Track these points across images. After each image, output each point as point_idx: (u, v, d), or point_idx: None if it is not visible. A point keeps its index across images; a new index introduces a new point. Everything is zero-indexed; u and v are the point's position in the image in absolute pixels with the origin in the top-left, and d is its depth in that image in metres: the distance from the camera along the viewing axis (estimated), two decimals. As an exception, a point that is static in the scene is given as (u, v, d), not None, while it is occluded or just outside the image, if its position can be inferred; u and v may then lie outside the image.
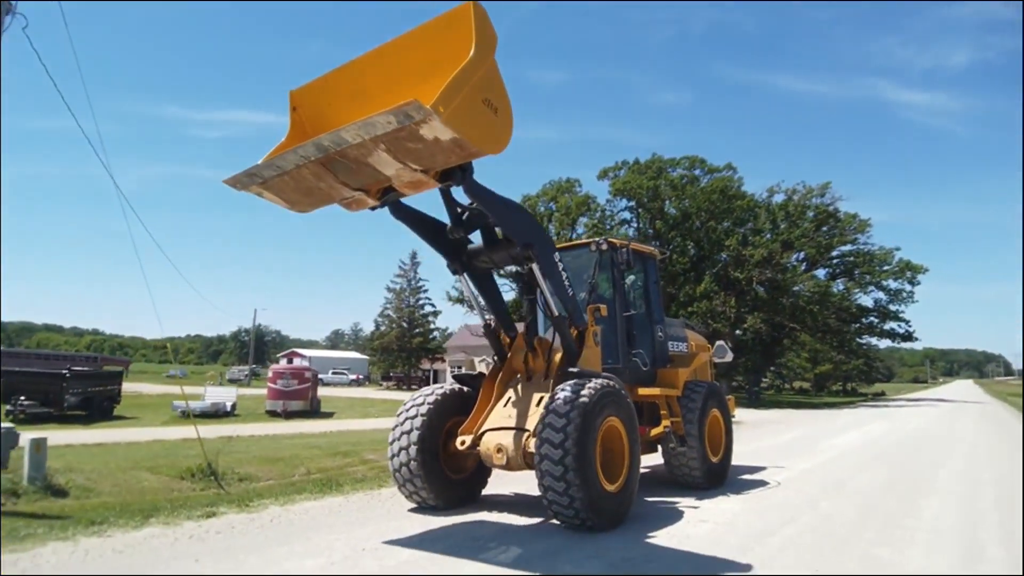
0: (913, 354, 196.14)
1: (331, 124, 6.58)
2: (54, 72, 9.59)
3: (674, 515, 8.03)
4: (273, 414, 26.17)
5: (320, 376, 43.50)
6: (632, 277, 10.23)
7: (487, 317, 8.63)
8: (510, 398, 8.19)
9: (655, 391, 9.38)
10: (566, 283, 8.03)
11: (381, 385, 69.02)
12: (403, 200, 7.18)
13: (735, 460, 12.13)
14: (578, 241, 9.99)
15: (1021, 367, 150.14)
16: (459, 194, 7.06)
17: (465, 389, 8.70)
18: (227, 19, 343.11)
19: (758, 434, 20.83)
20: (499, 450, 7.53)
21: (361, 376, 79.82)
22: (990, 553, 6.60)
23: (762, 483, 10.51)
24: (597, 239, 9.52)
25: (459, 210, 7.57)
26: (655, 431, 9.17)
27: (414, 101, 4.90)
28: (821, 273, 48.73)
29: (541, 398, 7.69)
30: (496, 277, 9.14)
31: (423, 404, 8.17)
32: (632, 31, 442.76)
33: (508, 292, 31.48)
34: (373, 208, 6.94)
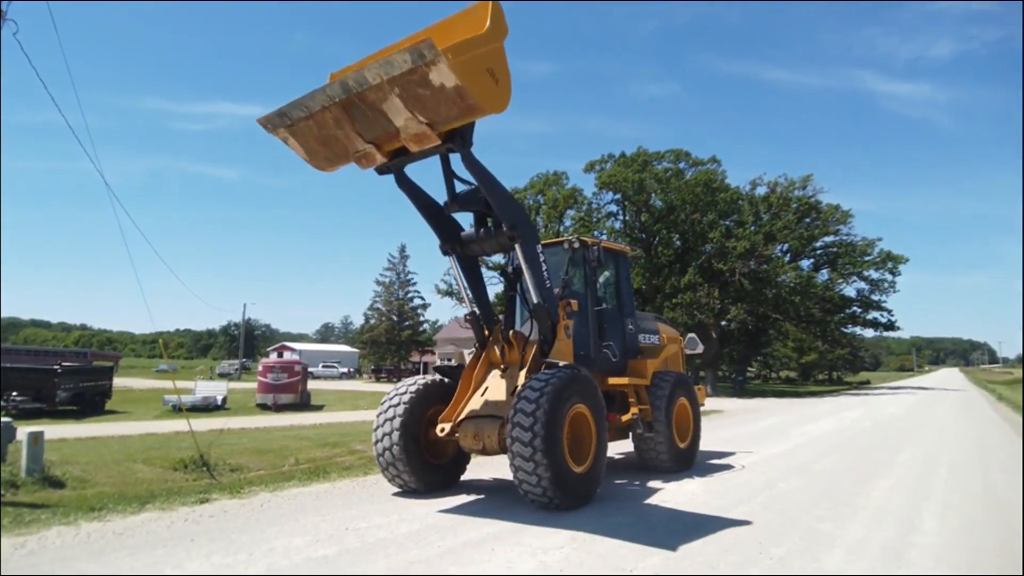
0: (900, 343, 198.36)
1: None
2: (38, 65, 9.92)
3: (639, 496, 8.60)
4: (263, 407, 26.55)
5: (310, 369, 43.87)
6: (605, 273, 10.76)
7: (471, 306, 9.17)
8: (487, 388, 8.72)
9: (624, 380, 9.91)
10: (545, 274, 8.57)
11: (371, 377, 69.34)
12: (408, 177, 8.26)
13: (707, 446, 12.74)
14: (552, 239, 10.51)
15: (1021, 355, 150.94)
16: (460, 170, 8.05)
17: (445, 380, 9.23)
18: (209, 10, 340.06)
19: (736, 421, 21.48)
20: (476, 436, 8.09)
21: (351, 369, 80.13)
22: (926, 526, 7.16)
23: (727, 467, 11.09)
24: (570, 238, 10.03)
25: (456, 190, 8.40)
26: (624, 418, 9.70)
27: (427, 39, 5.88)
28: (805, 264, 49.46)
29: (515, 388, 8.20)
30: (483, 271, 9.78)
31: (405, 393, 8.70)
32: (617, 23, 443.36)
33: (496, 285, 31.95)
34: (381, 171, 7.90)
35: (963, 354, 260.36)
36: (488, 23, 6.78)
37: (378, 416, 8.64)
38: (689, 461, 10.71)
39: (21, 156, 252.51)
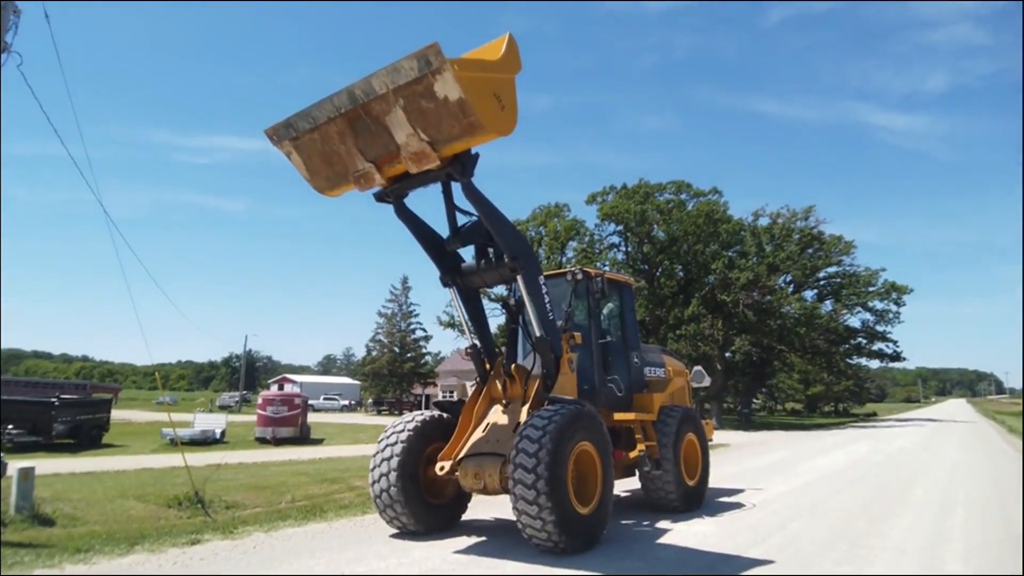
0: (906, 374, 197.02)
1: None
2: (41, 96, 9.87)
3: (647, 537, 8.26)
4: (263, 441, 26.16)
5: (311, 402, 43.39)
6: (609, 305, 10.55)
7: (472, 338, 8.95)
8: (488, 424, 8.45)
9: (630, 416, 9.62)
10: (548, 307, 8.36)
11: (371, 410, 68.71)
12: (407, 207, 8.18)
13: (715, 483, 12.37)
14: (555, 271, 10.33)
15: (1022, 385, 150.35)
16: (461, 202, 7.93)
17: (445, 415, 8.95)
18: (214, 45, 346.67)
19: (743, 456, 21.06)
20: (476, 476, 7.80)
21: (353, 402, 79.46)
22: (949, 569, 6.85)
23: (737, 505, 10.74)
24: (574, 269, 9.85)
25: (458, 224, 8.32)
26: (631, 455, 9.40)
27: (435, 44, 5.91)
28: (809, 295, 49.24)
29: (518, 424, 7.94)
30: (484, 303, 9.62)
31: (403, 431, 8.40)
32: (615, 57, 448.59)
33: (498, 316, 31.73)
34: (380, 198, 7.86)
35: (970, 385, 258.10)
36: (503, 51, 6.91)
37: (375, 455, 8.34)
38: (698, 499, 10.37)
39: (26, 187, 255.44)
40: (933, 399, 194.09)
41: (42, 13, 10.02)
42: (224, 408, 62.22)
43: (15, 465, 9.01)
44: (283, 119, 7.31)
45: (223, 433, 26.06)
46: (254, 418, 30.04)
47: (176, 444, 17.76)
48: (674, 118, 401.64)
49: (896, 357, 50.81)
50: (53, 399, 23.85)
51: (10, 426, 21.56)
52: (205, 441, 24.44)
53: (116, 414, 31.49)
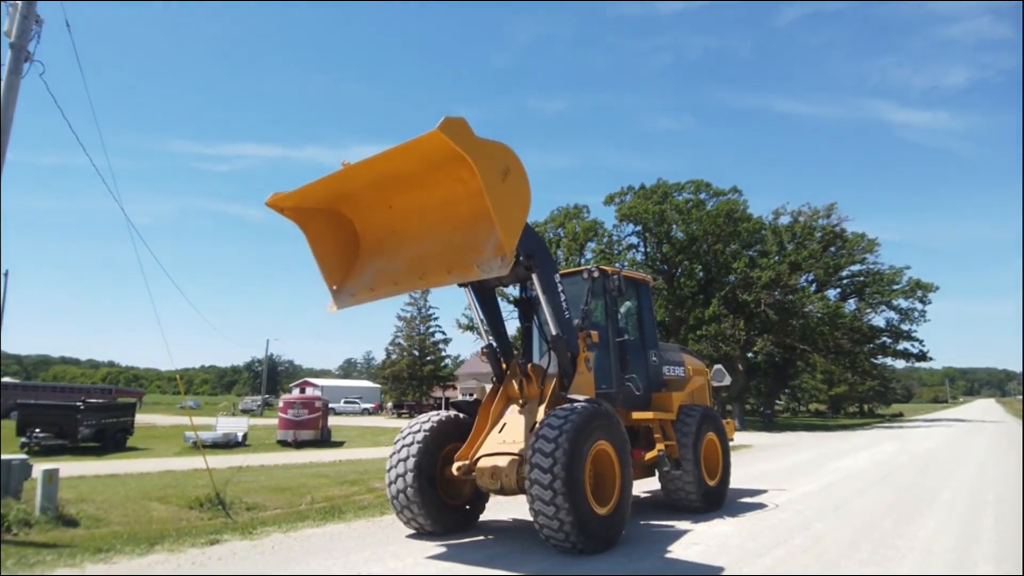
0: (933, 374, 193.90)
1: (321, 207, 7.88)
2: (66, 109, 10.02)
3: (666, 538, 8.14)
4: (284, 444, 26.33)
5: (332, 405, 43.69)
6: (626, 303, 10.45)
7: (488, 338, 8.92)
8: (505, 424, 8.40)
9: (648, 415, 9.51)
10: (564, 305, 8.30)
11: (391, 413, 69.00)
12: None
13: (736, 483, 12.21)
14: (571, 269, 10.24)
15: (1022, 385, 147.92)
16: None
17: (462, 415, 8.92)
18: (231, 53, 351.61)
19: (766, 457, 20.78)
20: (493, 475, 7.74)
21: (376, 404, 79.89)
22: (981, 569, 6.66)
23: (760, 506, 10.57)
24: (589, 267, 9.75)
25: None
26: (649, 455, 9.29)
27: (497, 260, 6.06)
28: (832, 294, 48.58)
29: (534, 424, 7.88)
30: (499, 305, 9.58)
31: (419, 431, 8.38)
32: (628, 59, 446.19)
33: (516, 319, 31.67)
34: None
35: (999, 384, 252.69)
36: (473, 164, 5.83)
37: (391, 456, 8.33)
38: (719, 500, 10.22)
39: (52, 197, 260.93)
40: (961, 399, 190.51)
41: (63, 23, 10.19)
42: (246, 412, 62.95)
43: (40, 467, 9.14)
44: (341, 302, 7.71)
45: (245, 436, 26.26)
46: (275, 421, 30.29)
47: (198, 447, 17.94)
48: (689, 118, 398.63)
49: (922, 356, 49.98)
50: (79, 403, 24.17)
51: (37, 429, 21.97)
52: (227, 444, 24.65)
53: (140, 418, 31.94)
